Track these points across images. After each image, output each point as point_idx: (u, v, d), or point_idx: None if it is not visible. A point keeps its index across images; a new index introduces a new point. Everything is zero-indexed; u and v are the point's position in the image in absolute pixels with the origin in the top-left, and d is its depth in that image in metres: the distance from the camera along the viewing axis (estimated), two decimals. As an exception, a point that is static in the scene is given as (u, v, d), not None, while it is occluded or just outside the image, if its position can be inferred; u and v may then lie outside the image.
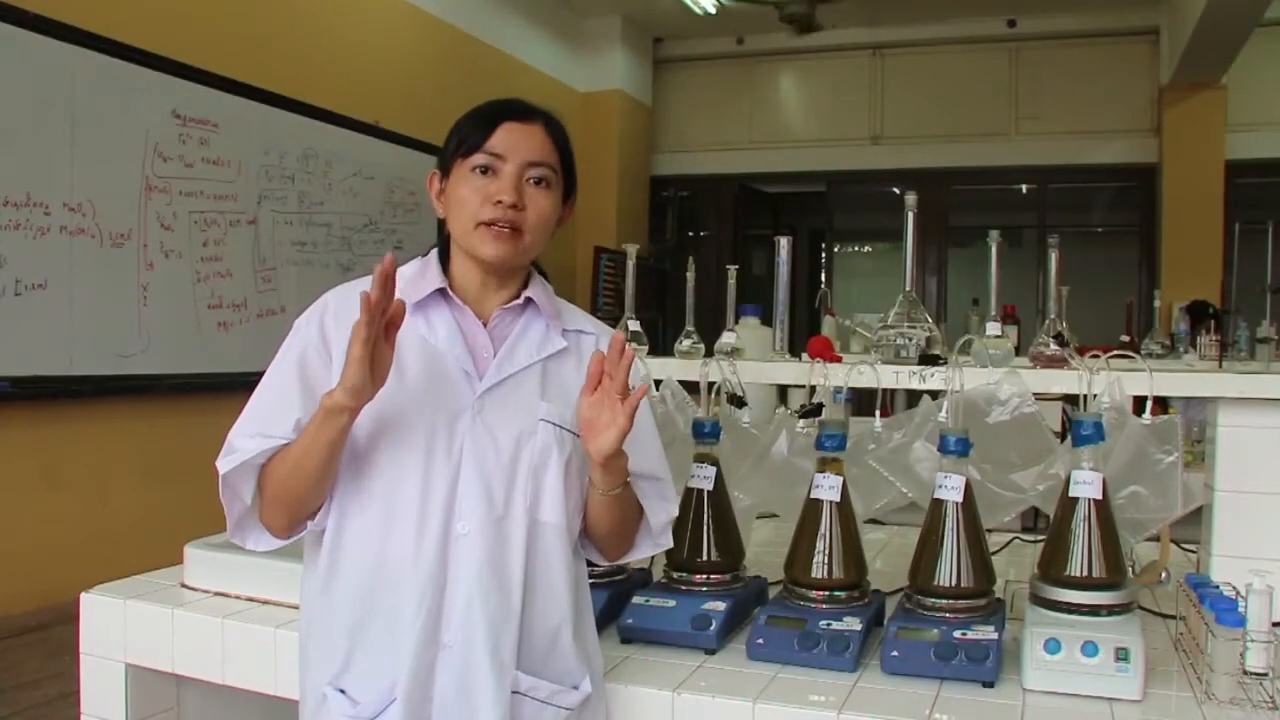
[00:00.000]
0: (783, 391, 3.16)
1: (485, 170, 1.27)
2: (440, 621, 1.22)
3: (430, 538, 1.22)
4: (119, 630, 1.74)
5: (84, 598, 1.79)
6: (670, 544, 1.44)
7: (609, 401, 1.22)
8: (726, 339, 1.99)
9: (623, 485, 1.29)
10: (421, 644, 1.21)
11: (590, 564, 1.42)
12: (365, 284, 1.32)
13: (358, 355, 1.13)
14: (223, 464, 1.24)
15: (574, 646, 1.31)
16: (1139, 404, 1.63)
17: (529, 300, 1.34)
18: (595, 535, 1.37)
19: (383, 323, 1.14)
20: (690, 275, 2.12)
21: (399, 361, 1.25)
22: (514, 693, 1.24)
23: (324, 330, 1.28)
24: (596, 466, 1.27)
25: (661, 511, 1.39)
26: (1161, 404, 1.61)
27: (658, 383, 1.89)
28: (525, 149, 1.28)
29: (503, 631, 1.23)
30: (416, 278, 1.32)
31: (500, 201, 1.26)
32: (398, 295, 1.30)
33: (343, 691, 1.24)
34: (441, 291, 1.30)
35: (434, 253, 1.35)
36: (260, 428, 1.25)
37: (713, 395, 1.80)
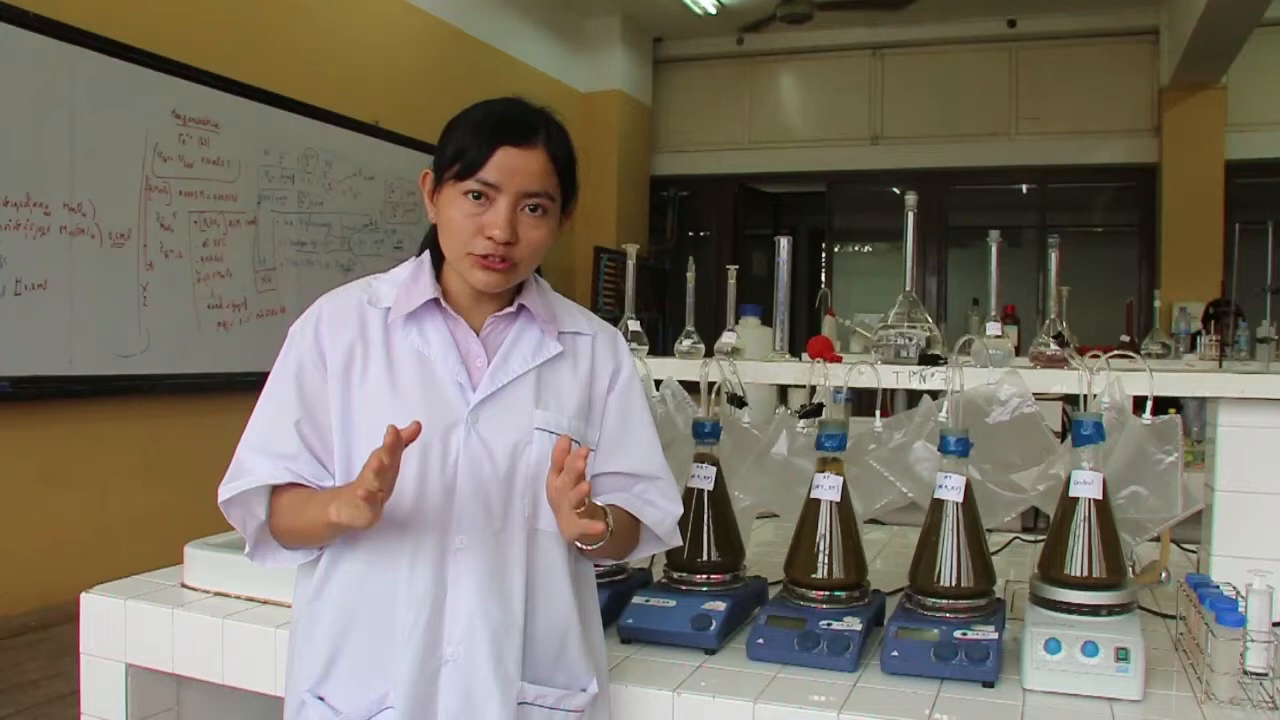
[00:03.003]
0: (783, 391, 3.16)
1: (478, 196, 1.23)
2: (441, 635, 1.21)
3: (427, 551, 1.22)
4: (119, 630, 1.75)
5: (84, 598, 1.79)
6: (679, 542, 1.42)
7: (568, 497, 1.14)
8: (726, 339, 1.99)
9: (604, 541, 1.22)
10: (421, 657, 1.20)
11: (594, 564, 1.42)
12: (358, 289, 1.31)
13: (369, 516, 1.09)
14: (224, 490, 1.23)
15: (582, 650, 1.30)
16: (1139, 404, 1.63)
17: (522, 307, 1.31)
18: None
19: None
20: (690, 275, 2.12)
21: (392, 374, 1.25)
22: (521, 703, 1.23)
23: (318, 340, 1.27)
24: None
25: (665, 514, 1.36)
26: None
27: (658, 383, 1.89)
28: (522, 178, 1.22)
29: (505, 643, 1.23)
30: (410, 284, 1.30)
31: (492, 237, 1.22)
32: (391, 302, 1.29)
33: (322, 699, 1.24)
34: (434, 301, 1.28)
35: (427, 257, 1.33)
36: (265, 444, 1.24)
37: (713, 395, 1.79)
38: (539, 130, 1.25)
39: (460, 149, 1.23)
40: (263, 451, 1.24)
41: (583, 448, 1.15)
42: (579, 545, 1.25)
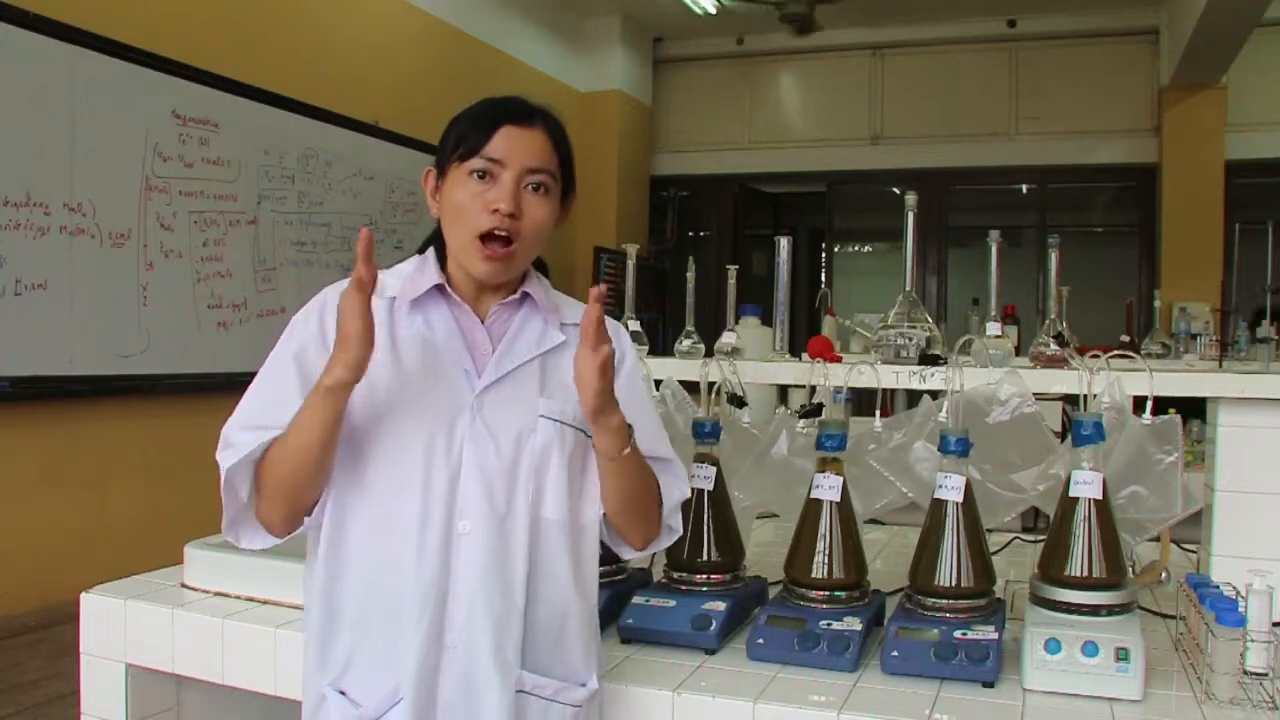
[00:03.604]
0: (783, 391, 3.16)
1: (483, 175, 1.26)
2: (444, 622, 1.22)
3: (432, 538, 1.22)
4: (119, 630, 1.75)
5: (84, 598, 1.79)
6: (680, 530, 1.41)
7: (589, 358, 1.19)
8: (726, 339, 1.99)
9: (623, 452, 1.25)
10: (425, 645, 1.21)
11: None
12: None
13: (359, 333, 1.13)
14: (224, 458, 1.22)
15: (580, 643, 1.31)
16: (1139, 404, 1.64)
17: (526, 295, 1.33)
18: (612, 515, 1.32)
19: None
20: (690, 275, 2.12)
21: (398, 360, 1.25)
22: (519, 691, 1.24)
23: (324, 326, 1.27)
24: (591, 426, 1.25)
25: (672, 489, 1.36)
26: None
27: (658, 383, 1.89)
28: (524, 154, 1.26)
29: (506, 630, 1.23)
30: (415, 275, 1.31)
31: (498, 210, 1.24)
32: (396, 293, 1.30)
33: (343, 693, 1.24)
34: (440, 288, 1.30)
35: (431, 250, 1.35)
36: (259, 421, 1.23)
37: (713, 395, 1.80)
38: (537, 114, 1.31)
39: (463, 134, 1.28)
40: (254, 428, 1.22)
41: (602, 290, 1.18)
42: (597, 449, 1.26)
